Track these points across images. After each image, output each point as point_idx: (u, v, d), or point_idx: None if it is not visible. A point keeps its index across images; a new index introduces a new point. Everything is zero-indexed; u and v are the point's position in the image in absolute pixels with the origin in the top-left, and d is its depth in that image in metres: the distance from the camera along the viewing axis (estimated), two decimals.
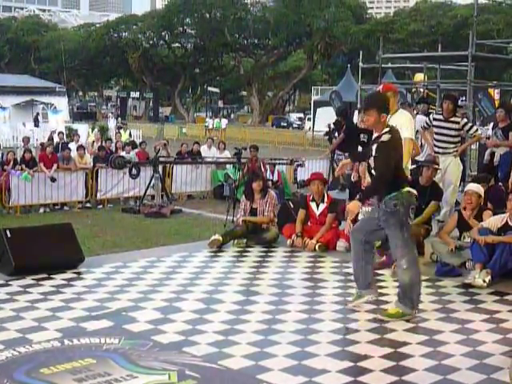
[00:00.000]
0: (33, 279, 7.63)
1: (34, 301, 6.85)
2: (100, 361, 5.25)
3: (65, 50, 62.26)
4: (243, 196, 10.52)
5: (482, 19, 46.59)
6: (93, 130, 30.12)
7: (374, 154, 6.39)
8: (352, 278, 7.35)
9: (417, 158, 10.65)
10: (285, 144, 39.56)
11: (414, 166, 8.98)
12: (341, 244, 9.34)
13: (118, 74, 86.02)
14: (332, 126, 16.73)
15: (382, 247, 8.60)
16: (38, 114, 38.76)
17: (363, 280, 6.73)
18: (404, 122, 7.83)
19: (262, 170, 16.55)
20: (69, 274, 7.94)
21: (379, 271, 8.17)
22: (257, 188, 10.12)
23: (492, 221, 8.02)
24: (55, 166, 15.95)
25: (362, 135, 10.45)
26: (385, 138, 6.32)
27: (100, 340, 5.70)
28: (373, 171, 6.45)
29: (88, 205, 16.31)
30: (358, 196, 6.62)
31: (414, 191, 6.61)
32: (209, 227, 12.60)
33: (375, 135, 6.50)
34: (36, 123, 36.79)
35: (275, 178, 17.45)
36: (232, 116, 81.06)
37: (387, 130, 6.37)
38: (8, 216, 14.89)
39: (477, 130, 10.73)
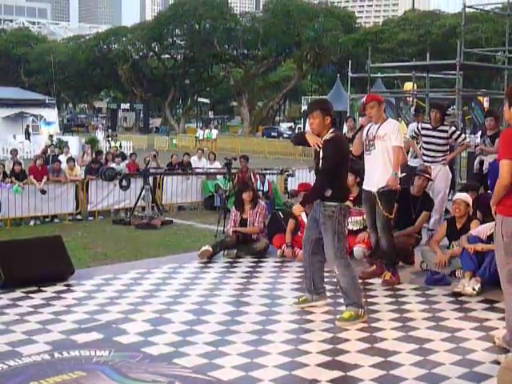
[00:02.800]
0: (23, 292, 7.62)
1: (23, 314, 6.83)
2: (90, 373, 5.24)
3: (54, 62, 62.28)
4: (233, 206, 10.53)
5: (471, 28, 46.92)
6: (87, 142, 30.17)
7: (321, 155, 6.67)
8: None
9: (410, 164, 10.74)
10: (275, 154, 39.57)
11: (404, 175, 9.01)
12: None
13: (108, 86, 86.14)
14: None
15: (372, 257, 8.64)
16: (28, 126, 38.70)
17: (311, 287, 7.03)
18: (392, 131, 7.87)
19: (253, 180, 16.55)
20: (59, 287, 7.93)
21: (369, 280, 8.19)
22: (247, 198, 10.14)
23: (481, 229, 8.05)
24: (45, 178, 15.91)
25: (350, 144, 10.49)
26: (327, 136, 6.63)
27: (90, 352, 5.69)
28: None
29: (79, 217, 16.27)
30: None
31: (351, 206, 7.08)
32: (199, 238, 12.59)
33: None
34: (26, 136, 36.74)
35: (265, 188, 17.44)
36: (218, 126, 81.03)
37: (331, 131, 6.67)
38: None
39: (465, 138, 10.78)
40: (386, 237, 8.01)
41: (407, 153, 11.14)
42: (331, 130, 6.69)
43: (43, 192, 15.57)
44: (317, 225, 6.84)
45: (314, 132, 6.75)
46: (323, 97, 43.02)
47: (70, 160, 17.71)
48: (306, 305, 7.05)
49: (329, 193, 6.66)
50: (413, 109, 16.29)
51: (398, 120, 17.86)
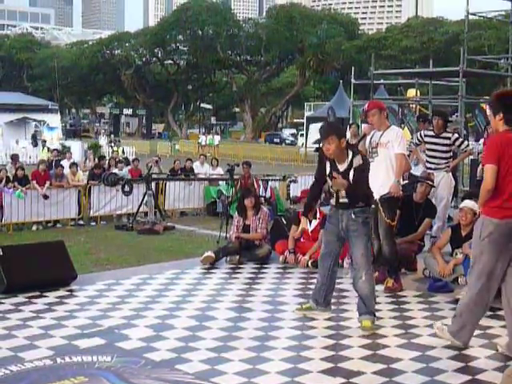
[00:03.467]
0: (25, 297, 7.62)
1: (26, 319, 6.83)
2: (92, 379, 5.24)
3: (58, 67, 62.42)
4: (236, 213, 10.53)
5: (474, 35, 46.90)
6: (90, 147, 30.20)
7: (351, 178, 6.54)
8: (344, 294, 7.43)
9: (412, 172, 10.72)
10: (278, 160, 39.59)
11: (406, 182, 9.00)
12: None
13: (111, 91, 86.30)
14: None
15: (375, 263, 8.62)
16: (36, 131, 38.72)
17: (322, 300, 6.98)
18: (395, 138, 7.87)
19: (255, 186, 16.56)
20: (61, 292, 7.93)
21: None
22: (249, 204, 10.14)
23: None
24: (48, 183, 15.92)
25: None
26: (356, 163, 6.55)
27: (92, 358, 5.68)
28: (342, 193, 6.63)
29: (81, 222, 16.27)
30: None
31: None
32: (202, 244, 12.58)
33: (343, 165, 6.60)
34: (34, 142, 36.76)
35: (268, 194, 17.44)
36: (220, 133, 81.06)
37: (352, 154, 6.58)
38: (0, 234, 14.83)
39: (468, 145, 10.77)
40: (389, 244, 8.00)
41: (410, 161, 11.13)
42: (351, 154, 6.60)
43: (46, 197, 15.57)
44: (337, 238, 6.82)
45: (330, 156, 6.61)
46: (326, 103, 43.05)
47: (73, 165, 17.73)
48: (309, 312, 7.03)
49: (361, 203, 6.65)
50: (415, 116, 16.24)
51: (400, 127, 17.88)
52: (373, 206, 6.86)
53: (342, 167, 6.61)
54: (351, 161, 6.57)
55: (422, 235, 9.35)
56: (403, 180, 8.47)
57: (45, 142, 34.23)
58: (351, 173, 6.55)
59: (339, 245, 6.93)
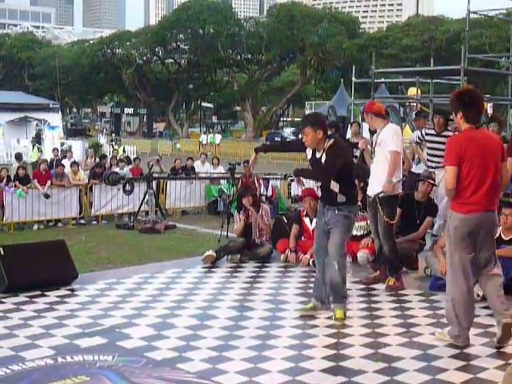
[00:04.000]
0: (26, 296, 7.63)
1: (27, 318, 6.83)
2: (93, 378, 5.24)
3: (59, 66, 62.36)
4: (236, 211, 10.55)
5: (475, 33, 46.84)
6: (90, 146, 30.11)
7: (323, 161, 6.75)
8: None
9: (414, 171, 10.70)
10: (279, 159, 39.54)
11: (403, 180, 8.86)
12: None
13: (112, 90, 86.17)
14: None
15: (375, 262, 8.63)
16: (40, 130, 38.65)
17: (325, 297, 7.06)
18: (388, 135, 7.87)
19: (256, 185, 16.55)
20: (62, 291, 7.93)
21: (373, 286, 8.18)
22: (247, 203, 10.14)
23: None
24: (49, 182, 15.91)
25: (354, 149, 10.49)
26: (329, 144, 6.76)
27: (93, 357, 5.69)
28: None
29: (82, 221, 16.27)
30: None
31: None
32: (203, 243, 12.58)
33: (318, 152, 6.81)
34: (38, 140, 36.69)
35: (269, 193, 17.44)
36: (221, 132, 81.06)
37: (330, 142, 6.76)
38: (1, 233, 14.83)
39: None
40: (388, 243, 8.00)
41: (412, 159, 11.12)
42: (329, 139, 6.81)
43: (47, 196, 15.57)
44: (324, 233, 6.93)
45: (308, 146, 6.85)
46: (327, 102, 43.08)
47: (74, 164, 17.70)
48: (314, 313, 7.00)
49: (343, 199, 6.77)
50: (413, 113, 16.19)
51: (401, 125, 17.84)
52: (359, 204, 7.16)
53: (318, 153, 6.84)
54: (326, 148, 6.76)
55: (423, 234, 9.35)
56: (403, 178, 8.44)
57: (37, 141, 33.88)
58: (323, 157, 6.74)
59: (328, 239, 7.02)
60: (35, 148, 32.25)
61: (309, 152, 6.93)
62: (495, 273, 6.12)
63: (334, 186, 6.76)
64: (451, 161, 5.86)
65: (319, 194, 7.05)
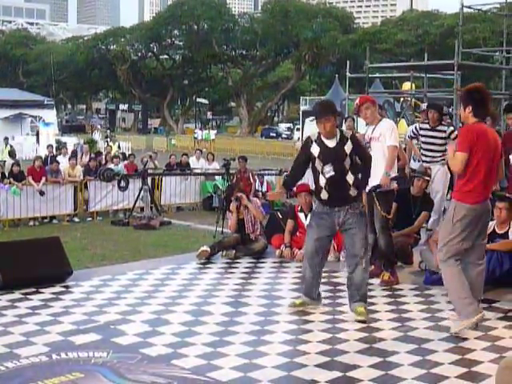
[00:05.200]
0: (21, 293, 7.61)
1: (22, 315, 6.82)
2: (88, 375, 5.23)
3: (53, 62, 62.22)
4: (227, 211, 10.65)
5: (468, 28, 46.89)
6: (85, 142, 29.97)
7: (350, 152, 6.67)
8: (340, 288, 7.44)
9: (412, 167, 10.69)
10: (274, 154, 39.60)
11: (396, 175, 8.80)
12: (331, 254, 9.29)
13: (107, 87, 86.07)
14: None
15: (371, 257, 8.62)
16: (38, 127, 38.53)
17: (315, 294, 7.05)
18: (386, 130, 7.87)
19: (251, 180, 16.56)
20: (57, 288, 7.92)
21: (368, 281, 8.17)
22: (233, 209, 10.16)
23: None
24: (44, 179, 15.88)
25: None
26: (347, 134, 6.82)
27: (88, 354, 5.68)
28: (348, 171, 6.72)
29: (76, 219, 16.23)
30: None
31: None
32: (198, 239, 12.58)
33: (331, 142, 6.69)
34: (36, 138, 36.61)
35: (264, 188, 17.46)
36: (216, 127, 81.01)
37: (339, 132, 6.78)
38: None
39: None
40: (385, 237, 8.01)
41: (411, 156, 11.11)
42: (341, 131, 6.86)
43: (42, 193, 15.55)
44: (330, 233, 6.91)
45: (327, 135, 6.68)
46: (322, 98, 43.06)
47: (73, 158, 17.68)
48: (304, 308, 7.02)
49: (355, 193, 6.74)
50: (424, 105, 15.86)
51: (396, 120, 17.83)
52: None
53: (331, 143, 6.69)
54: (341, 136, 6.69)
55: (418, 228, 9.37)
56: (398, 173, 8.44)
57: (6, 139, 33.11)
58: (348, 144, 6.66)
59: (330, 240, 7.11)
60: (7, 147, 31.38)
61: (315, 149, 6.75)
62: (483, 261, 6.46)
63: (350, 178, 6.69)
64: (464, 148, 6.01)
65: (324, 195, 6.73)
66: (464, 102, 6.29)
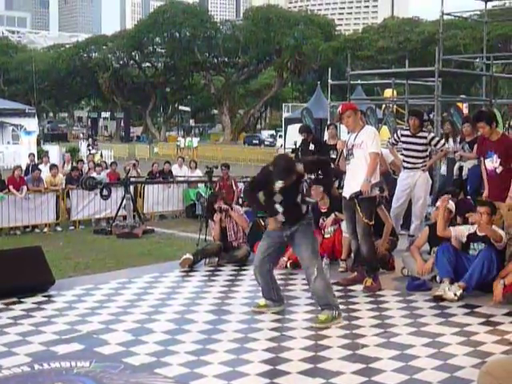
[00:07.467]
0: (2, 303, 7.56)
1: (3, 325, 6.77)
2: None
3: (34, 71, 61.98)
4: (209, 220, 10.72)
5: (449, 35, 47.26)
6: (67, 151, 29.88)
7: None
8: None
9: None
10: (257, 161, 39.56)
11: (377, 181, 8.73)
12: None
13: (89, 95, 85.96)
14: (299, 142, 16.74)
15: (353, 264, 8.65)
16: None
17: (276, 297, 7.26)
18: (368, 137, 7.91)
19: (234, 188, 16.57)
20: (39, 298, 7.87)
21: (350, 287, 8.20)
22: (216, 220, 10.19)
23: (461, 228, 8.13)
24: (24, 188, 15.79)
25: (331, 152, 10.53)
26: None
27: (71, 363, 5.65)
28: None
29: (58, 228, 16.16)
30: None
31: None
32: (181, 247, 12.57)
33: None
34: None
35: None
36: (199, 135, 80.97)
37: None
38: None
39: (444, 144, 10.81)
40: (367, 243, 8.03)
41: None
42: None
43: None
44: (280, 243, 7.11)
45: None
46: (304, 105, 43.17)
47: (54, 167, 17.60)
48: (267, 310, 7.22)
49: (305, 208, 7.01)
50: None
51: (378, 127, 17.90)
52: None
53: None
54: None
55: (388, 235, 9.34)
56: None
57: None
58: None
59: (282, 249, 7.35)
60: None
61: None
62: None
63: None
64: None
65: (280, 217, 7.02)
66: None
